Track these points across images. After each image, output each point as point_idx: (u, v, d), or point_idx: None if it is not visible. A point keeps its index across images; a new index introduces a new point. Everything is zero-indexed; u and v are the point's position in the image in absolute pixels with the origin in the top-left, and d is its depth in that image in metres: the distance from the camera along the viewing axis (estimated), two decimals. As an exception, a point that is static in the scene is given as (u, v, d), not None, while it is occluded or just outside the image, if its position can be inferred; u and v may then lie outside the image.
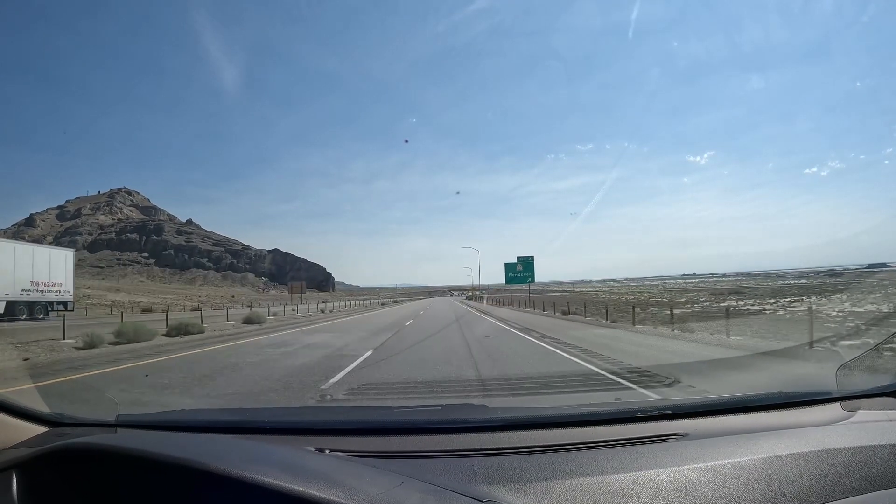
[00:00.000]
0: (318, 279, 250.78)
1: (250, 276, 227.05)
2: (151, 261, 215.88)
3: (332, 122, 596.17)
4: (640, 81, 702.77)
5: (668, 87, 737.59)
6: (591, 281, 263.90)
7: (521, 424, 1.63)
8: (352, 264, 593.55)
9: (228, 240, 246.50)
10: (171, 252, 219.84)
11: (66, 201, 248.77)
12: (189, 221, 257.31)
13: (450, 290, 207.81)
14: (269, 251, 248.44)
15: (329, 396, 5.18)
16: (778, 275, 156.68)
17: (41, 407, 1.70)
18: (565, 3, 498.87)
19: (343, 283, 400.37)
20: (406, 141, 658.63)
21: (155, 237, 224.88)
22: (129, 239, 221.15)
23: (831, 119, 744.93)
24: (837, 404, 1.70)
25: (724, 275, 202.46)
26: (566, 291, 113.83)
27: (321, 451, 1.40)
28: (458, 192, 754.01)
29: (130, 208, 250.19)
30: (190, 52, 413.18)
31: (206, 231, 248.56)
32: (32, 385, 5.92)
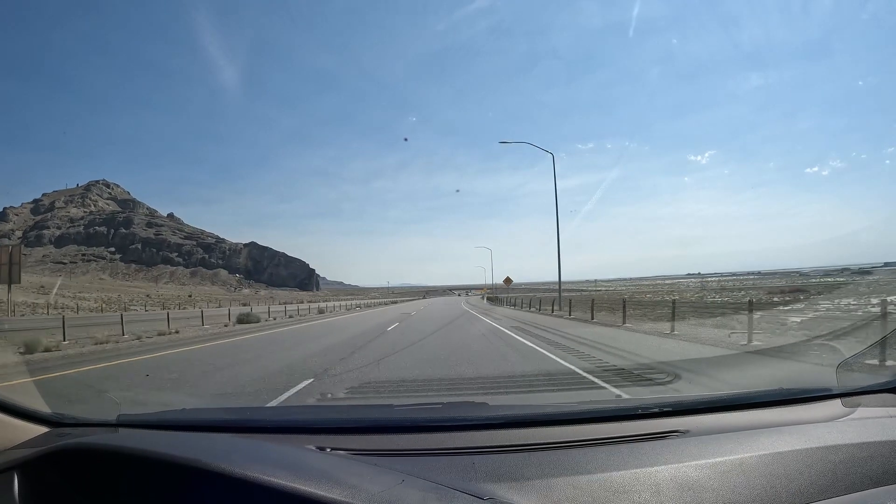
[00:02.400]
0: (299, 276, 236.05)
1: (223, 272, 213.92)
2: (118, 256, 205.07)
3: (331, 121, 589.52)
4: (640, 80, 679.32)
5: (669, 86, 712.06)
6: (595, 280, 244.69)
7: (521, 422, 1.63)
8: (348, 263, 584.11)
9: (203, 233, 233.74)
10: (139, 246, 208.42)
11: (43, 195, 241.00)
12: (170, 216, 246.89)
13: (452, 290, 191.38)
14: (245, 245, 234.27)
15: (330, 395, 5.16)
16: (799, 273, 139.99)
17: (42, 407, 1.70)
18: (565, 1, 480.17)
19: (342, 282, 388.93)
20: (406, 139, 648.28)
21: (123, 230, 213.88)
22: (97, 232, 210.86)
23: (833, 118, 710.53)
24: (838, 401, 1.69)
25: (733, 274, 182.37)
26: (583, 290, 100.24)
27: (322, 449, 1.40)
28: (457, 191, 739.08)
29: (107, 201, 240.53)
30: (186, 49, 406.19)
31: (178, 224, 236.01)
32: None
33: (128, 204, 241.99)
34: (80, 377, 7.45)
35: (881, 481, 1.17)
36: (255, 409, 3.37)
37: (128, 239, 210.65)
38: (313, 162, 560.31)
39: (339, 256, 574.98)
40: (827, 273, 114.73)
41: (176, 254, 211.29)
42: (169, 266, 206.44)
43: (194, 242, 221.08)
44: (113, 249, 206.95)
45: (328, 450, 1.39)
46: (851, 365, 2.44)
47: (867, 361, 6.06)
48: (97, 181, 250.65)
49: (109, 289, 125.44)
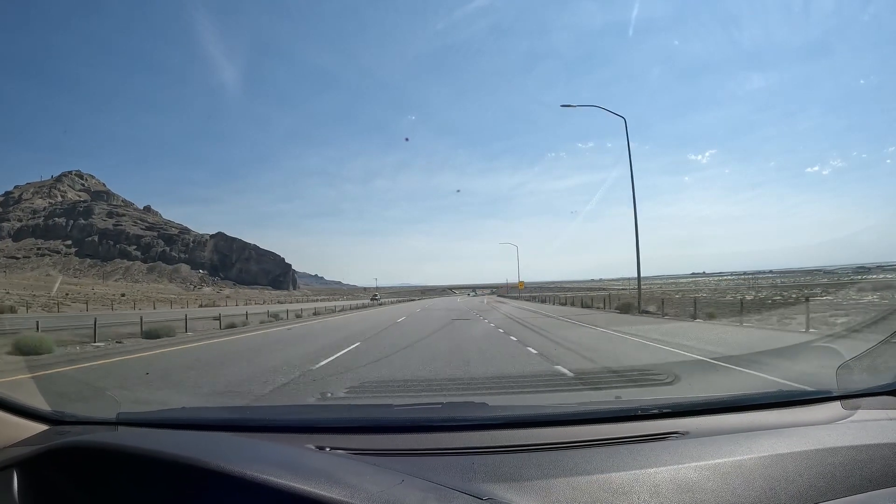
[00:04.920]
0: (273, 272, 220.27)
1: (184, 267, 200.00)
2: (73, 250, 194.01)
3: (329, 120, 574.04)
4: (640, 80, 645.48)
5: (669, 86, 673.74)
6: (600, 279, 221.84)
7: (521, 422, 1.63)
8: (347, 263, 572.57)
9: (168, 223, 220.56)
10: (95, 239, 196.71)
11: (15, 186, 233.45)
12: (147, 208, 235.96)
13: (452, 290, 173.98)
14: (212, 236, 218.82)
15: (329, 394, 5.22)
16: (822, 271, 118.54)
17: (42, 405, 1.70)
18: (565, 1, 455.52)
19: (340, 282, 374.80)
20: (406, 139, 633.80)
21: (82, 221, 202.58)
22: (56, 224, 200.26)
23: (833, 117, 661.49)
24: (837, 403, 1.69)
25: (744, 273, 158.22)
26: (604, 289, 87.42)
27: (321, 449, 1.40)
28: (458, 191, 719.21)
29: (79, 192, 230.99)
30: (182, 46, 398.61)
31: (142, 213, 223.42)
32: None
33: (102, 196, 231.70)
34: None
35: (881, 484, 1.15)
36: (255, 408, 3.40)
37: (86, 231, 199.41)
38: (312, 161, 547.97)
39: (337, 256, 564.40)
40: (856, 271, 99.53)
41: (134, 246, 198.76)
42: (126, 260, 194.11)
43: (155, 234, 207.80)
44: (70, 242, 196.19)
45: (328, 449, 1.39)
46: (852, 367, 2.45)
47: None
48: (69, 171, 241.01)
49: (45, 287, 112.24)
